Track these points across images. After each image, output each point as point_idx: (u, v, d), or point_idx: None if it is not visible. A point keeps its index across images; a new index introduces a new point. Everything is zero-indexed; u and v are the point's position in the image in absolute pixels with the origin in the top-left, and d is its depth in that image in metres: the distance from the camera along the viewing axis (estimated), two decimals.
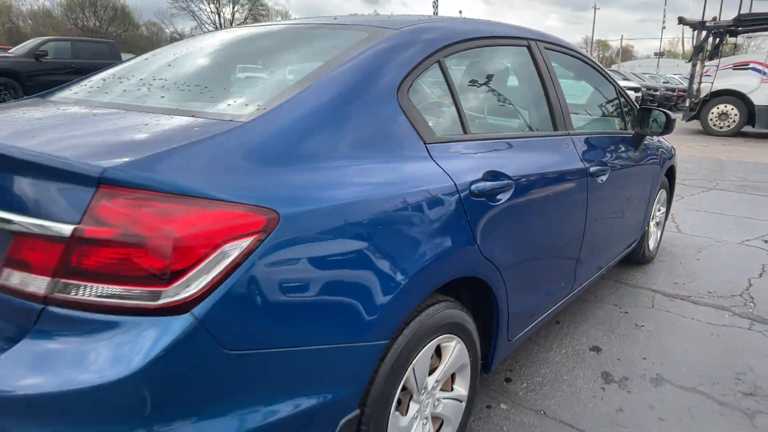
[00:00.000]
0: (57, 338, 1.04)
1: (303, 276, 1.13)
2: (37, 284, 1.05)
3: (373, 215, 1.27)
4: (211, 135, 1.15)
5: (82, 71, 13.75)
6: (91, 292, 1.01)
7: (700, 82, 13.23)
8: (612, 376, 2.35)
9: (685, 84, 17.01)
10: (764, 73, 12.60)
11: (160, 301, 0.98)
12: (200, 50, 1.95)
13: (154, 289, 0.98)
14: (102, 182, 1.00)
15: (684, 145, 10.68)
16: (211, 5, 65.59)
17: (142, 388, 0.96)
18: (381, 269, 1.27)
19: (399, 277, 1.30)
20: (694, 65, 13.43)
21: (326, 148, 1.28)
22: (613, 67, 33.14)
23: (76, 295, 1.02)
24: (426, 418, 1.61)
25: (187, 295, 0.99)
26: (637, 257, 3.59)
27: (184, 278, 0.99)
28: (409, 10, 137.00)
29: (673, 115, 2.86)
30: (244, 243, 1.04)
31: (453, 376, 1.72)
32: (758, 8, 13.23)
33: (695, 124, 13.50)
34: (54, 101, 1.70)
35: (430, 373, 1.58)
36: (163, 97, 1.54)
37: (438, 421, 1.70)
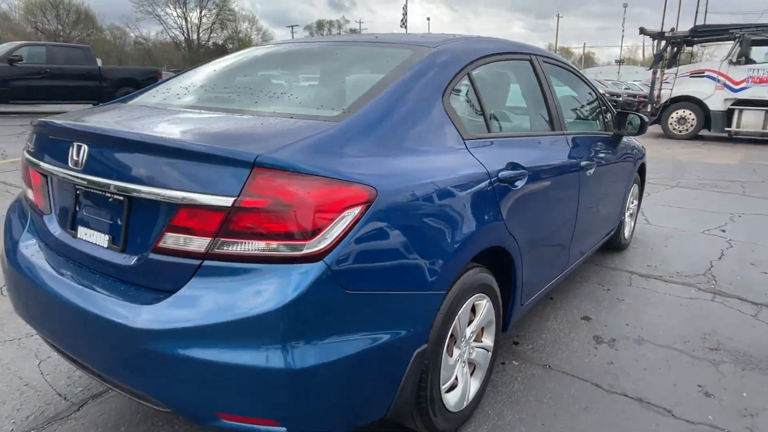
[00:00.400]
0: (215, 284, 1.38)
1: (392, 237, 1.50)
2: (198, 243, 1.39)
3: (437, 193, 1.65)
4: (321, 131, 1.51)
5: (57, 77, 13.72)
6: (245, 247, 1.35)
7: (660, 89, 14.06)
8: (602, 338, 2.78)
9: (645, 90, 17.96)
10: (718, 81, 13.48)
11: (303, 252, 1.33)
12: (265, 61, 2.31)
13: (297, 243, 1.33)
14: (256, 165, 1.34)
15: (648, 148, 11.34)
16: (178, 9, 64.74)
17: (290, 315, 1.31)
18: (444, 234, 1.65)
19: (455, 241, 1.69)
20: (654, 73, 14.26)
21: (399, 141, 1.65)
22: None
23: (231, 250, 1.36)
24: (464, 361, 1.98)
25: (321, 247, 1.34)
26: (615, 244, 4.06)
27: (320, 235, 1.34)
28: (376, 17, 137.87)
29: (646, 118, 3.33)
30: (356, 210, 1.40)
31: (482, 330, 2.10)
32: (711, 20, 14.17)
33: (657, 128, 14.32)
34: (152, 105, 2.02)
35: (468, 324, 1.96)
36: (256, 102, 1.89)
37: (472, 365, 2.08)
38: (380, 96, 1.71)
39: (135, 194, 1.50)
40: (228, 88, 2.19)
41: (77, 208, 1.72)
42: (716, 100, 13.48)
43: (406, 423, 1.82)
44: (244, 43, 77.61)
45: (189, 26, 66.41)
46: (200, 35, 67.54)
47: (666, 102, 13.86)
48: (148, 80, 16.79)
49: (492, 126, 2.17)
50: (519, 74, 2.61)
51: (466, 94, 2.10)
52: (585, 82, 3.29)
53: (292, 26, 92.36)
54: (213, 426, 1.43)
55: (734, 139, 14.27)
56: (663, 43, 14.26)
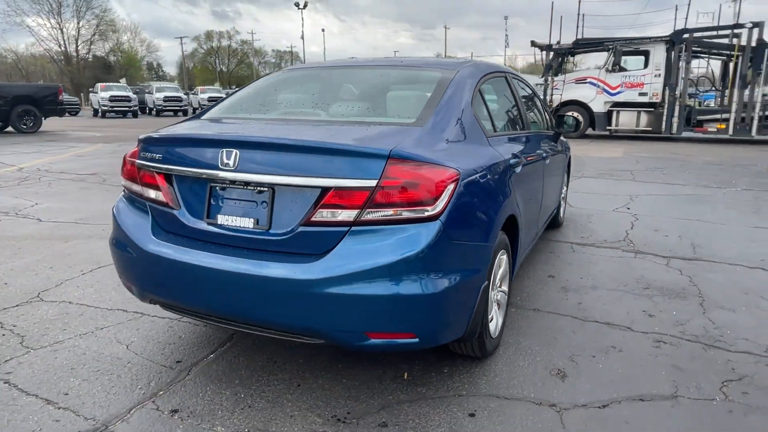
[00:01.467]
0: (363, 242, 1.95)
1: (470, 204, 2.15)
2: (347, 215, 1.95)
3: (488, 174, 2.33)
4: (416, 133, 2.13)
5: None
6: (384, 214, 1.94)
7: (552, 95, 15.88)
8: (567, 288, 3.61)
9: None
10: (598, 86, 15.53)
11: (426, 214, 1.95)
12: (320, 80, 2.88)
13: (422, 208, 1.95)
14: (390, 156, 1.94)
15: None
16: (52, 20, 60.10)
17: (424, 256, 1.92)
18: (493, 203, 2.34)
19: (498, 208, 2.38)
20: (546, 80, 16.08)
21: (458, 137, 2.32)
22: None
23: (374, 217, 1.94)
24: (495, 301, 2.68)
25: (437, 210, 1.97)
26: (556, 222, 4.99)
27: (437, 202, 1.96)
28: (261, 27, 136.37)
29: (580, 118, 4.26)
30: (451, 186, 2.04)
31: (501, 279, 2.81)
32: (588, 34, 16.26)
33: None
34: (240, 118, 2.53)
35: (498, 273, 2.66)
36: (343, 114, 2.46)
37: (497, 304, 2.78)
38: (438, 107, 2.36)
39: (282, 184, 2.02)
40: (305, 103, 2.75)
41: (213, 201, 2.19)
42: (598, 103, 15.51)
43: (464, 349, 2.47)
44: (129, 55, 73.49)
45: (66, 38, 61.86)
46: (79, 47, 63.06)
47: (557, 106, 15.70)
48: (47, 98, 15.92)
49: (496, 126, 2.90)
50: (503, 88, 3.38)
51: (481, 103, 2.81)
52: (532, 91, 4.15)
53: (180, 37, 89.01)
54: (361, 345, 2.00)
55: (614, 136, 16.46)
56: (551, 54, 16.13)
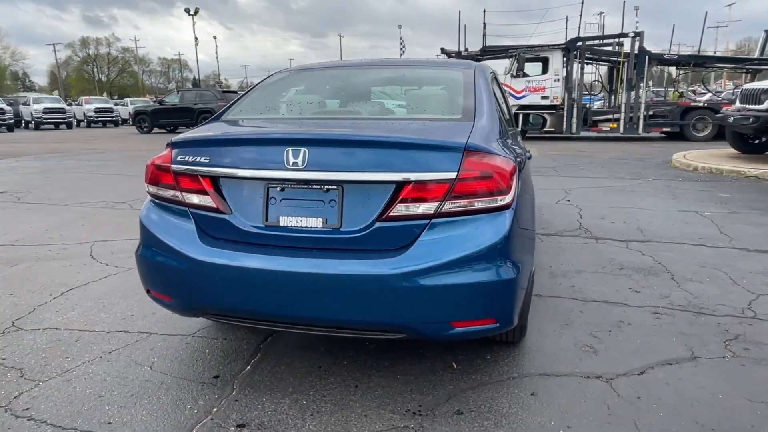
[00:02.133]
0: (444, 233, 2.00)
1: (524, 194, 2.28)
2: (426, 207, 1.99)
3: (524, 164, 2.47)
4: (469, 127, 2.21)
5: None
6: (463, 205, 2.00)
7: None
8: (555, 274, 3.86)
9: None
10: (506, 91, 16.51)
11: (501, 203, 2.04)
12: (348, 79, 2.88)
13: (497, 197, 2.03)
14: (466, 149, 2.00)
15: None
16: None
17: (503, 244, 2.00)
18: (531, 191, 2.49)
19: (533, 195, 2.53)
20: None
21: (498, 134, 2.43)
22: None
23: (454, 209, 2.00)
24: None
25: (509, 199, 2.06)
26: None
27: (510, 191, 2.06)
28: (143, 34, 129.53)
29: (547, 116, 4.58)
30: (515, 176, 2.15)
31: None
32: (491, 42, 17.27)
33: None
34: (273, 119, 2.46)
35: None
36: (386, 113, 2.48)
37: None
38: (477, 105, 2.47)
39: (352, 181, 2.02)
40: (340, 102, 2.75)
41: (272, 203, 2.12)
42: None
43: (507, 335, 2.58)
44: None
45: None
46: None
47: None
48: None
49: (505, 122, 3.06)
50: (498, 86, 3.56)
51: (495, 101, 2.95)
52: (502, 90, 4.40)
53: (53, 44, 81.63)
54: (445, 335, 2.04)
55: (524, 138, 17.54)
56: None
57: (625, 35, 15.84)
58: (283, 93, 2.83)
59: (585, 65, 16.45)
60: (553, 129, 16.50)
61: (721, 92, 23.09)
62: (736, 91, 15.23)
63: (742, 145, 10.55)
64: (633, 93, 15.65)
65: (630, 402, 2.23)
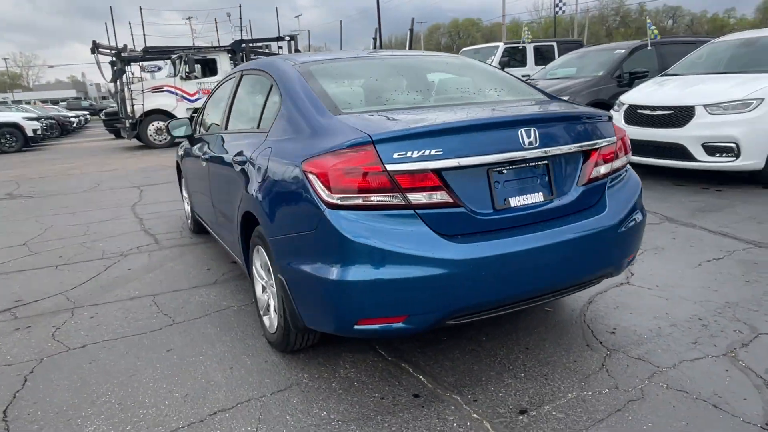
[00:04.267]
0: (616, 188, 2.42)
1: None
2: (605, 168, 2.37)
3: None
4: (571, 104, 2.64)
5: None
6: (620, 164, 2.45)
7: (133, 105, 14.96)
8: None
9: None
10: (177, 94, 15.68)
11: (628, 161, 2.57)
12: (419, 68, 2.85)
13: (626, 156, 2.56)
14: (609, 119, 2.45)
15: (144, 160, 12.19)
16: None
17: (641, 190, 2.55)
18: None
19: None
20: (121, 90, 14.94)
21: None
22: None
23: (616, 166, 2.43)
24: None
25: (629, 156, 2.62)
26: None
27: (623, 150, 2.61)
28: None
29: None
30: None
31: None
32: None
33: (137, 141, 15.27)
34: (396, 109, 2.41)
35: None
36: (482, 95, 2.64)
37: None
38: (534, 87, 2.89)
39: (557, 155, 2.23)
40: (434, 89, 2.73)
41: (496, 187, 2.10)
42: (181, 110, 15.68)
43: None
44: None
45: None
46: None
47: (141, 116, 14.97)
48: None
49: None
50: None
51: None
52: None
53: None
54: (624, 269, 2.46)
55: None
56: (120, 62, 15.03)
57: (282, 38, 17.22)
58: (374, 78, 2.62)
59: None
60: None
61: None
62: None
63: None
64: None
65: None
